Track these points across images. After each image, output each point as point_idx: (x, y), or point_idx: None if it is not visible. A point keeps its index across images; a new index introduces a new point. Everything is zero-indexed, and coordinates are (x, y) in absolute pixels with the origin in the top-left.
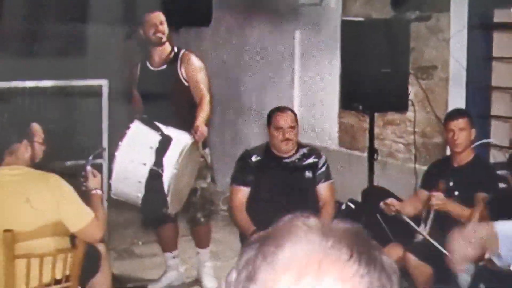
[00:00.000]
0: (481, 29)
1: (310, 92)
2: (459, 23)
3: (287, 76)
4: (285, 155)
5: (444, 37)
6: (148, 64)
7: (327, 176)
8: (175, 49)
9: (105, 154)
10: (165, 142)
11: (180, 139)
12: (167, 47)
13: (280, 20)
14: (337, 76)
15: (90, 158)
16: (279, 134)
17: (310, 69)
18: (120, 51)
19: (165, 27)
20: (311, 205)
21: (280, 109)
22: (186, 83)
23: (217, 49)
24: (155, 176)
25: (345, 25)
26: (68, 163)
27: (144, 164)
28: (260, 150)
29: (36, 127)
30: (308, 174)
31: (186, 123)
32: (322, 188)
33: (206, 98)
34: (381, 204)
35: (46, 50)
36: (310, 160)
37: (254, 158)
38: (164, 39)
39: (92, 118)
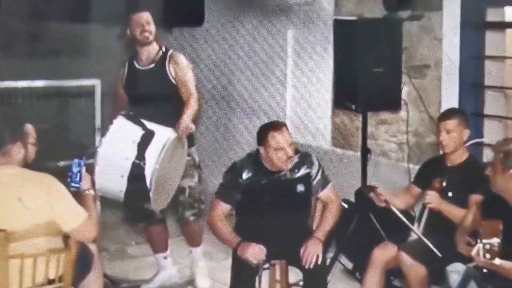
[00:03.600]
0: (474, 28)
1: (303, 92)
2: (451, 22)
3: (280, 76)
4: (277, 169)
5: (437, 36)
6: (135, 63)
7: (324, 182)
8: (163, 49)
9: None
10: (148, 136)
11: (163, 134)
12: (155, 46)
13: (272, 20)
14: (330, 76)
15: (76, 160)
16: (281, 154)
17: (303, 68)
18: (113, 51)
19: (152, 27)
20: (301, 221)
21: (275, 127)
22: (174, 82)
23: (209, 49)
24: (137, 170)
25: (337, 24)
26: (61, 163)
27: (126, 158)
28: (251, 163)
29: (29, 127)
30: (300, 188)
31: (173, 122)
32: (325, 195)
33: (194, 96)
34: (371, 194)
35: (40, 50)
36: (302, 172)
37: (245, 175)
38: (151, 38)
39: (85, 118)
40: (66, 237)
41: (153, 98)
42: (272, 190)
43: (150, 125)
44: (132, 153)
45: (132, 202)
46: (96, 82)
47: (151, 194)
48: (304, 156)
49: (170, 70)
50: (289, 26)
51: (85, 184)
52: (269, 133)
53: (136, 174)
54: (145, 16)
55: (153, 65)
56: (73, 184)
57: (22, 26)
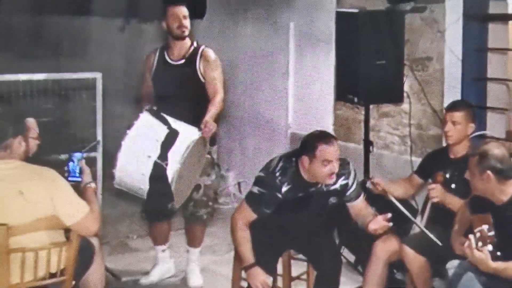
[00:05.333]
0: (476, 20)
1: (305, 84)
2: (454, 15)
3: (282, 68)
4: (315, 181)
5: (439, 28)
6: (166, 57)
7: (358, 191)
8: (195, 44)
9: (99, 147)
10: (172, 136)
11: (188, 134)
12: (187, 41)
13: (274, 12)
14: (332, 68)
15: (76, 153)
16: (327, 169)
17: (305, 61)
18: (115, 44)
19: (188, 21)
20: (325, 232)
21: (326, 140)
22: (202, 79)
23: (211, 42)
24: (159, 170)
25: (339, 16)
26: (62, 156)
27: (149, 157)
28: (290, 175)
29: (31, 121)
30: (333, 200)
31: (197, 119)
32: (359, 205)
33: (220, 95)
34: (368, 183)
35: (41, 45)
36: (340, 183)
37: (284, 188)
38: (187, 33)
39: (86, 111)
40: (67, 231)
41: (180, 94)
42: (305, 202)
43: (174, 123)
44: (155, 152)
45: (155, 201)
46: (97, 75)
47: (173, 193)
48: (342, 166)
49: (200, 67)
50: (291, 19)
51: (86, 177)
52: (319, 145)
53: (158, 174)
54: (183, 10)
55: (183, 60)
56: (72, 178)
57: (23, 21)
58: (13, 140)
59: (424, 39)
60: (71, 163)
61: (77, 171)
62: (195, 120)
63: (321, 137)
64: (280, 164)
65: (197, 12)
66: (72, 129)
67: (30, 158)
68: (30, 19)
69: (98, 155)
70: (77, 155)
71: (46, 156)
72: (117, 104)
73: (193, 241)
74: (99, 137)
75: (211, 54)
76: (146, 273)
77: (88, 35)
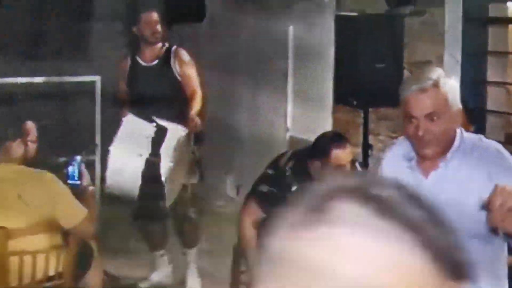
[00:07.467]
0: (476, 23)
1: (304, 88)
2: (453, 18)
3: (281, 72)
4: None
5: (439, 31)
6: (139, 59)
7: None
8: (166, 45)
9: (98, 150)
10: (161, 132)
11: (175, 130)
12: (159, 43)
13: (273, 16)
14: (331, 72)
15: (75, 157)
16: (340, 171)
17: (304, 64)
18: (114, 48)
19: (159, 26)
20: None
21: (340, 145)
22: (179, 78)
23: (210, 45)
24: (152, 167)
25: (339, 20)
26: (61, 159)
27: (140, 155)
28: (300, 175)
29: (30, 125)
30: None
31: (178, 118)
32: None
33: (199, 93)
34: None
35: (40, 49)
36: None
37: (293, 188)
38: (160, 38)
39: (85, 114)
40: (66, 234)
41: (157, 95)
42: None
43: (160, 121)
44: (146, 149)
45: (146, 198)
46: (96, 78)
47: (166, 192)
48: (350, 165)
49: (176, 66)
50: (291, 22)
51: (85, 180)
52: (333, 150)
53: (151, 171)
54: (155, 16)
55: (156, 61)
56: (71, 181)
57: (22, 25)
58: (12, 144)
59: (423, 43)
60: (70, 167)
61: (76, 174)
62: (177, 119)
63: (335, 141)
64: (291, 163)
65: (196, 16)
66: (71, 132)
67: (29, 161)
68: (31, 22)
69: (97, 158)
70: (76, 158)
71: (45, 159)
72: (116, 107)
73: (186, 242)
74: (98, 140)
75: (185, 53)
76: (145, 277)
77: (88, 38)
